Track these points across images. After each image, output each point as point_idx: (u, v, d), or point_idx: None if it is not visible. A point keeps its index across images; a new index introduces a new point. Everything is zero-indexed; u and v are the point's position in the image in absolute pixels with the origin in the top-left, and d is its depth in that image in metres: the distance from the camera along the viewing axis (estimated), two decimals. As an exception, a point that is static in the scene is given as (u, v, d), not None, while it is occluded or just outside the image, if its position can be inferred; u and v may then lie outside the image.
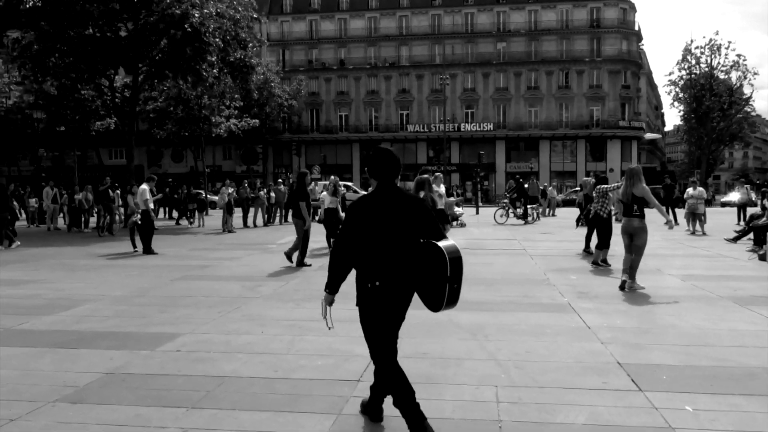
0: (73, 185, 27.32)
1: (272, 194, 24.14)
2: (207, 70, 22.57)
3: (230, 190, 21.46)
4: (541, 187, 29.70)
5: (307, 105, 63.53)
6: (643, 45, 69.88)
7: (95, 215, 20.83)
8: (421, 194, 9.72)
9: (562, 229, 21.05)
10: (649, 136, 68.89)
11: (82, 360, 5.33)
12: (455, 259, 3.47)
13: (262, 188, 23.65)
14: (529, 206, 24.81)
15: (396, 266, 3.58)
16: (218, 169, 61.60)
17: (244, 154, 62.89)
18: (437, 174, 14.21)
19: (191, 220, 24.48)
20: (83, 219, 22.32)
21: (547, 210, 29.07)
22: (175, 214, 28.15)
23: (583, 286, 9.01)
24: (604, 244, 11.25)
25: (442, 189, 13.60)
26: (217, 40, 21.97)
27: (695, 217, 18.49)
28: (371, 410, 3.98)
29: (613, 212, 11.76)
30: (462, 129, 61.31)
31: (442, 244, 3.51)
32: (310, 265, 11.35)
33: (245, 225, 23.14)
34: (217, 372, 4.95)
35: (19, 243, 16.12)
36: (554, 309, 7.39)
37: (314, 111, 64.78)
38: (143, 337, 6.13)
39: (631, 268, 8.59)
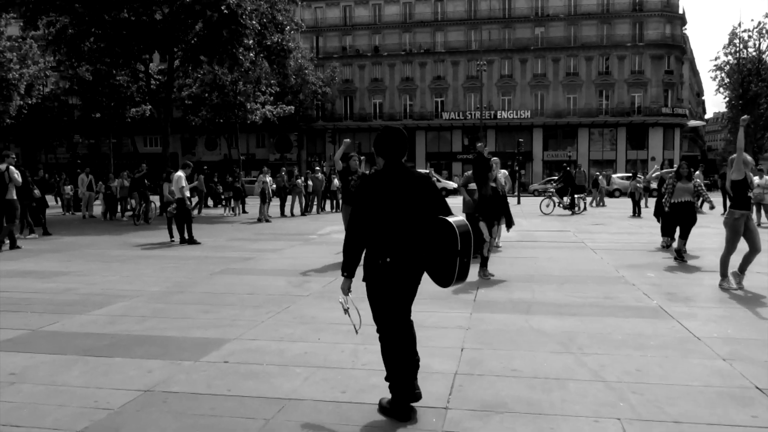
0: (108, 172, 27.03)
1: (309, 182, 23.40)
2: (243, 54, 21.87)
3: (267, 178, 20.76)
4: (594, 176, 28.41)
5: (341, 92, 62.72)
6: (685, 29, 67.39)
7: (130, 204, 20.35)
8: (492, 176, 8.80)
9: (614, 220, 19.91)
10: (692, 123, 66.54)
11: (116, 372, 4.59)
12: (465, 233, 3.52)
13: (299, 176, 22.91)
14: (575, 195, 23.61)
15: (406, 243, 3.62)
16: (252, 157, 61.39)
17: (278, 142, 62.32)
18: (494, 159, 13.24)
19: (229, 208, 23.92)
20: (120, 207, 21.90)
21: (597, 199, 27.77)
22: (210, 202, 27.69)
23: (669, 286, 8.02)
24: (685, 234, 10.25)
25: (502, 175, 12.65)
26: (254, 22, 21.25)
27: (763, 207, 17.20)
28: (396, 408, 3.76)
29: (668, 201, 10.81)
30: (498, 116, 59.81)
31: (451, 219, 3.56)
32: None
33: (282, 214, 22.48)
34: (275, 392, 4.16)
35: (36, 235, 15.17)
36: (646, 314, 6.44)
37: (348, 98, 63.95)
38: (185, 343, 5.39)
39: (745, 262, 7.64)
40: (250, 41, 21.68)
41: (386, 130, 3.80)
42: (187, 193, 13.71)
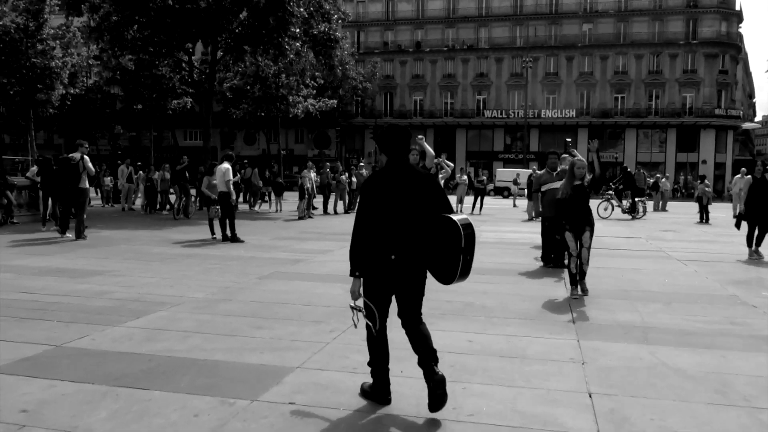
0: (149, 165, 26.51)
1: (353, 179, 22.38)
2: (289, 43, 20.96)
3: (311, 174, 19.84)
4: (652, 179, 26.76)
5: (381, 88, 61.69)
6: (741, 27, 64.51)
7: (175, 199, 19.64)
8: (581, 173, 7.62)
9: (683, 227, 18.44)
10: (747, 125, 63.71)
11: (153, 414, 3.59)
12: (469, 231, 3.57)
13: (343, 173, 21.92)
14: (636, 199, 22.11)
15: (410, 240, 3.64)
16: (290, 153, 60.82)
17: (317, 138, 61.67)
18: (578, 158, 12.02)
19: (261, 203, 23.06)
20: (160, 200, 21.22)
21: (660, 203, 26.10)
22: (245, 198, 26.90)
23: (799, 310, 6.74)
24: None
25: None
26: (301, 9, 20.33)
27: None
28: (377, 392, 3.89)
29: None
30: (542, 115, 58.03)
31: (455, 217, 3.60)
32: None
33: (325, 211, 21.53)
34: (364, 457, 3.11)
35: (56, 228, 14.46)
36: (796, 348, 5.21)
37: (388, 95, 62.91)
38: (237, 371, 4.38)
39: None
40: (297, 30, 20.77)
41: (389, 127, 3.80)
42: (232, 187, 12.80)
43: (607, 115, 57.87)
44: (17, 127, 41.27)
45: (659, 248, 12.47)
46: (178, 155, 24.32)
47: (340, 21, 23.28)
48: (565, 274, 8.26)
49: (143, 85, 32.25)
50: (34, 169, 15.43)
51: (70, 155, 12.49)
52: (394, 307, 3.89)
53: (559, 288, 7.87)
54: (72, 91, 32.06)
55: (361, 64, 57.82)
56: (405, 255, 3.63)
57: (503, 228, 16.95)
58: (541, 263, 9.86)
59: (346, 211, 21.88)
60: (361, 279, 3.70)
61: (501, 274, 8.89)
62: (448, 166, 11.96)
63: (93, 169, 12.54)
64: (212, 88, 24.30)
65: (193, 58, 25.98)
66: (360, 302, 3.76)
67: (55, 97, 29.78)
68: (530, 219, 20.24)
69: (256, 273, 8.63)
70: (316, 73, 27.96)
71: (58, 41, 27.97)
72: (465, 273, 3.67)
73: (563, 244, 9.55)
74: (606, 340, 5.34)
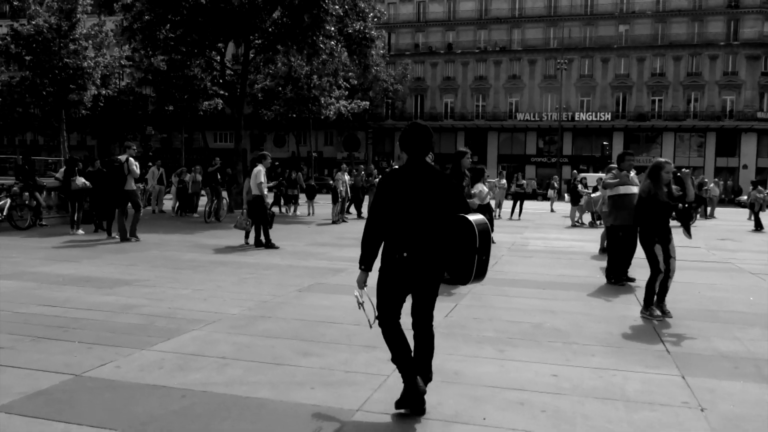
0: (180, 166, 26.14)
1: (388, 182, 21.61)
2: (324, 42, 20.33)
3: (345, 176, 19.16)
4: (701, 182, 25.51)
5: (412, 91, 60.95)
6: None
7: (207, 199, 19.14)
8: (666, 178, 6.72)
9: (739, 234, 17.32)
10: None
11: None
12: (484, 231, 3.60)
13: (378, 175, 21.19)
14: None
15: (423, 239, 3.63)
16: (319, 155, 60.41)
17: (346, 140, 61.14)
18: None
19: (288, 208, 22.38)
20: (194, 202, 20.74)
21: (707, 210, 24.86)
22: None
23: None
24: None
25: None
26: (336, 7, 19.68)
27: None
28: (409, 399, 3.69)
29: None
30: (576, 118, 56.69)
31: (471, 217, 3.64)
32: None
33: (359, 215, 20.85)
34: None
35: (83, 232, 13.77)
36: None
37: (419, 97, 62.14)
38: (286, 414, 3.65)
39: None
40: (332, 28, 20.13)
41: (411, 125, 3.77)
42: (266, 191, 12.14)
43: (644, 118, 56.31)
44: (51, 128, 41.48)
45: (725, 259, 11.50)
46: (209, 157, 23.88)
47: (375, 19, 22.58)
48: (639, 293, 7.40)
49: (175, 86, 31.98)
50: (63, 170, 15.03)
51: (116, 157, 12.39)
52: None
53: (631, 307, 7.02)
54: (104, 92, 31.94)
55: (392, 66, 57.17)
56: (417, 253, 3.61)
57: (549, 235, 16.05)
58: (604, 279, 8.96)
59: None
60: (368, 272, 3.77)
61: (562, 288, 8.06)
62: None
63: (137, 171, 12.55)
64: (244, 88, 23.79)
65: (225, 59, 25.50)
66: (358, 292, 3.78)
67: (87, 97, 29.65)
68: (573, 225, 19.30)
69: (294, 284, 7.93)
70: (349, 74, 27.30)
71: (90, 41, 27.80)
72: (481, 274, 3.65)
73: (626, 257, 8.72)
74: (716, 377, 4.49)
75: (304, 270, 9.18)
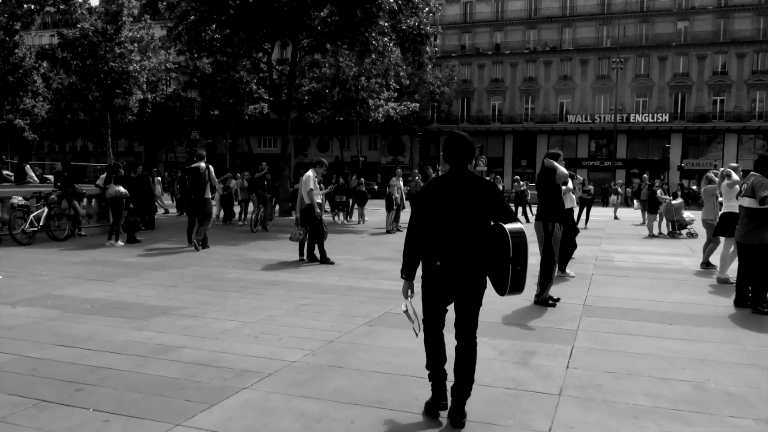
0: (225, 171, 25.25)
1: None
2: (377, 38, 19.07)
3: (400, 182, 17.81)
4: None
5: (458, 93, 59.43)
6: None
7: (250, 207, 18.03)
8: None
9: None
10: None
11: None
12: (518, 240, 3.49)
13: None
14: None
15: (457, 247, 3.60)
16: (364, 160, 59.44)
17: (391, 145, 60.10)
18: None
19: (337, 215, 21.02)
20: (240, 210, 19.70)
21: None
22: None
23: None
24: None
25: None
26: (390, 1, 18.39)
27: None
28: (431, 405, 3.82)
29: None
30: (631, 120, 54.20)
31: (507, 225, 3.55)
32: (556, 301, 7.25)
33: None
34: None
35: (122, 243, 12.82)
36: None
37: (465, 99, 60.56)
38: None
39: None
40: (385, 24, 18.84)
41: (451, 136, 3.81)
42: (319, 200, 10.86)
43: (705, 119, 53.49)
44: (99, 134, 41.46)
45: None
46: (253, 162, 22.89)
47: (431, 15, 21.18)
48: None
49: (220, 90, 31.30)
50: (104, 176, 14.12)
51: (197, 164, 12.29)
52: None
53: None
54: (150, 96, 31.46)
55: (438, 68, 55.76)
56: (451, 262, 3.60)
57: (630, 248, 14.34)
58: (732, 306, 7.37)
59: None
60: (411, 281, 3.79)
61: (691, 321, 6.49)
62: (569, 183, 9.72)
63: (216, 179, 12.50)
64: (291, 90, 22.71)
65: (272, 59, 24.52)
66: (405, 305, 3.79)
67: (132, 102, 29.15)
68: (652, 236, 17.50)
69: (361, 314, 6.57)
70: (401, 73, 25.96)
71: (136, 44, 27.23)
72: (517, 286, 3.57)
73: (762, 281, 7.13)
74: None
75: (367, 293, 7.82)
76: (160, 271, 9.45)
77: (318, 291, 7.95)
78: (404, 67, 25.46)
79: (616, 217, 26.09)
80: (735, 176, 9.10)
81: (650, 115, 54.48)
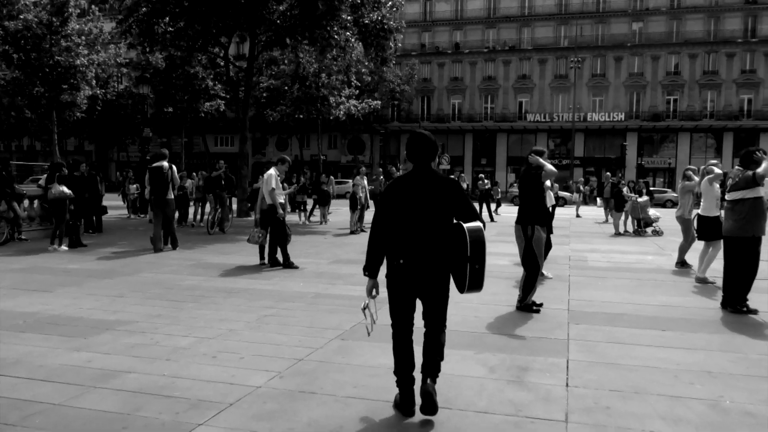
0: (179, 171, 24.21)
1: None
2: (339, 33, 18.40)
3: (364, 181, 17.21)
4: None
5: (418, 92, 59.17)
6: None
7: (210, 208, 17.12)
8: None
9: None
10: (812, 129, 59.41)
11: None
12: (476, 238, 3.48)
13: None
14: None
15: (420, 245, 3.62)
16: (324, 159, 58.69)
17: (351, 143, 59.41)
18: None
19: (300, 215, 20.27)
20: (195, 211, 18.74)
21: None
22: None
23: None
24: None
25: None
26: (352, -7, 17.81)
27: None
28: (401, 403, 3.78)
29: None
30: (588, 119, 54.83)
31: (466, 224, 3.54)
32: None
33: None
34: None
35: (65, 247, 11.97)
36: None
37: (425, 98, 60.33)
38: None
39: None
40: (348, 17, 18.18)
41: (414, 134, 3.81)
42: (281, 200, 10.19)
43: (659, 118, 54.53)
44: (47, 132, 39.63)
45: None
46: (210, 161, 21.98)
47: (394, 9, 20.61)
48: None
49: (174, 86, 30.00)
50: (45, 176, 13.13)
51: (161, 164, 11.90)
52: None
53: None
54: (99, 92, 30.00)
55: (398, 67, 55.37)
56: (414, 260, 3.61)
57: (600, 246, 14.07)
58: (720, 307, 7.05)
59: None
60: (374, 279, 3.75)
61: (683, 327, 6.09)
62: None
63: (178, 179, 12.27)
64: (249, 86, 21.84)
65: (228, 54, 23.57)
66: (365, 303, 3.78)
67: (80, 98, 27.74)
68: (618, 234, 17.34)
69: (332, 326, 5.97)
70: (363, 69, 25.28)
71: (83, 37, 25.86)
72: (476, 284, 3.53)
73: (747, 279, 6.83)
74: None
75: (336, 301, 7.21)
76: (106, 279, 8.64)
77: (282, 299, 7.30)
78: (366, 63, 24.85)
79: (578, 215, 26.04)
80: (717, 170, 8.81)
81: (606, 114, 55.20)
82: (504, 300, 7.35)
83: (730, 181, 6.99)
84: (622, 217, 17.86)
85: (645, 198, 17.75)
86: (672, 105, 55.04)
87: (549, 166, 6.68)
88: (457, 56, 59.47)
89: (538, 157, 6.74)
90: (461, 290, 3.59)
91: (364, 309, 3.76)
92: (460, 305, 6.57)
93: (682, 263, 10.47)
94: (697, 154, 54.89)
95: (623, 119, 54.51)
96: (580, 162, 55.55)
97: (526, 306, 6.71)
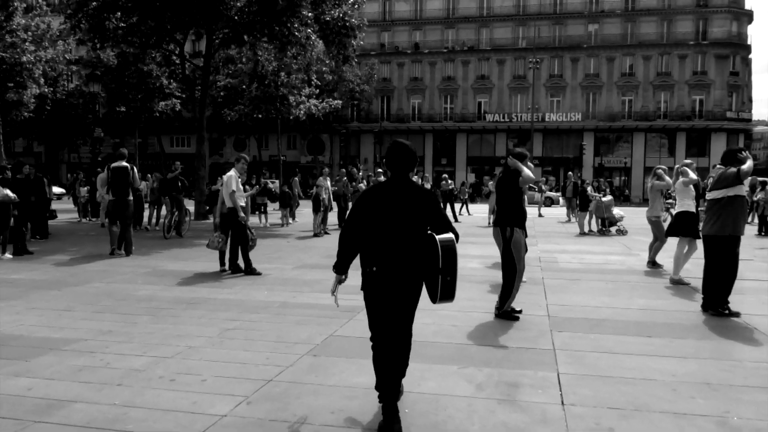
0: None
1: (372, 187, 19.17)
2: (299, 29, 17.87)
3: (327, 182, 16.74)
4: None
5: (378, 92, 58.86)
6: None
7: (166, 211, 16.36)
8: None
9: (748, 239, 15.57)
10: (759, 129, 61.44)
11: None
12: (448, 250, 3.54)
13: (362, 180, 18.72)
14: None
15: (393, 254, 3.63)
16: (284, 159, 57.88)
17: (310, 144, 58.66)
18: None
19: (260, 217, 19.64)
20: (151, 214, 17.93)
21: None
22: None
23: None
24: None
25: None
26: (312, -11, 17.30)
27: None
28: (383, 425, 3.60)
29: None
30: (546, 119, 55.41)
31: (439, 236, 3.60)
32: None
33: (341, 226, 18.49)
34: None
35: (9, 255, 11.25)
36: None
37: (385, 98, 60.05)
38: None
39: None
40: (309, 13, 17.67)
41: (395, 144, 3.82)
42: (242, 202, 9.66)
43: (614, 118, 55.50)
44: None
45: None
46: (165, 162, 21.17)
47: (356, 7, 20.17)
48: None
49: (127, 85, 28.83)
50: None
51: (122, 164, 11.52)
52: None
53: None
54: (47, 91, 28.68)
55: (357, 66, 55.00)
56: (386, 268, 3.63)
57: (567, 247, 13.94)
58: (700, 310, 6.88)
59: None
60: (341, 276, 3.80)
61: (670, 333, 5.85)
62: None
63: (139, 180, 11.95)
64: (206, 84, 21.11)
65: (184, 51, 22.74)
66: (333, 288, 3.84)
67: (27, 97, 26.48)
68: (583, 233, 17.31)
69: (301, 339, 5.52)
70: (324, 68, 24.75)
71: (30, 33, 24.65)
72: (447, 295, 3.60)
73: (727, 280, 6.68)
74: None
75: (305, 311, 6.76)
76: (53, 290, 7.99)
77: (246, 310, 6.81)
78: (327, 62, 24.33)
79: (540, 215, 26.07)
80: (692, 174, 8.70)
81: (564, 114, 55.90)
82: (481, 306, 7.03)
83: (710, 181, 6.82)
84: (587, 217, 17.84)
85: (609, 197, 17.76)
86: (627, 105, 56.06)
87: (526, 172, 6.38)
88: (416, 56, 59.40)
89: (516, 161, 6.44)
90: (434, 300, 3.64)
91: (333, 292, 3.85)
92: (436, 313, 6.22)
93: (653, 263, 10.36)
94: (651, 154, 56.11)
95: (580, 119, 55.26)
96: (539, 162, 56.07)
97: (505, 313, 6.39)
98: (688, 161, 9.12)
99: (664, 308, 7.06)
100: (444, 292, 3.55)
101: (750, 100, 55.83)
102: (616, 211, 17.54)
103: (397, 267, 3.63)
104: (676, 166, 9.23)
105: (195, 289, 8.20)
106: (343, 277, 3.82)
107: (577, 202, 18.55)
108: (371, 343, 3.81)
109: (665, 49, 54.96)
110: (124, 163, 11.61)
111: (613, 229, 17.36)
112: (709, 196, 6.82)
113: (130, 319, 6.32)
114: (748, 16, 56.46)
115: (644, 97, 55.51)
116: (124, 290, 7.99)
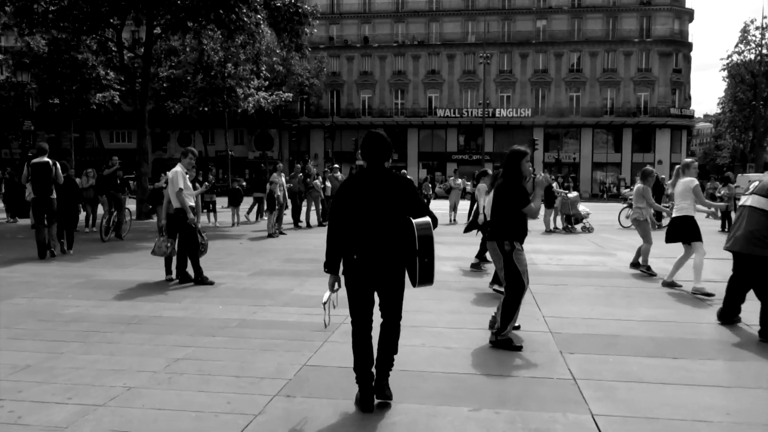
0: (68, 169, 21.50)
1: (328, 184, 18.20)
2: (248, 15, 16.65)
3: (282, 179, 15.63)
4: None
5: (328, 86, 57.70)
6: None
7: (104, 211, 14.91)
8: None
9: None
10: (701, 125, 63.11)
11: None
12: (424, 232, 3.61)
13: (316, 176, 17.70)
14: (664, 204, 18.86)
15: (373, 241, 3.70)
16: (232, 155, 55.97)
17: (258, 139, 56.87)
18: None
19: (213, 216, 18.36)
20: (87, 214, 16.35)
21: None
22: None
23: None
24: None
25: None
26: (261, -28, 16.11)
27: None
28: (362, 401, 3.81)
29: None
30: (497, 115, 55.41)
31: (415, 219, 3.66)
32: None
33: (296, 225, 17.37)
34: None
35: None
36: None
37: (335, 93, 58.94)
38: None
39: None
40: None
41: (369, 134, 3.89)
42: (191, 202, 8.50)
43: (563, 114, 56.09)
44: None
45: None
46: (104, 158, 19.59)
47: (308, -7, 19.09)
48: None
49: (60, 75, 26.84)
50: None
51: (44, 160, 10.90)
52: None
53: None
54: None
55: (306, 60, 53.64)
56: (368, 255, 3.69)
57: (541, 246, 13.30)
58: (717, 321, 6.19)
59: (321, 224, 17.63)
60: (335, 275, 3.84)
61: (700, 354, 5.11)
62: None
63: (62, 177, 11.20)
64: (147, 74, 19.61)
65: (122, 37, 21.11)
66: (327, 297, 3.82)
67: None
68: (549, 231, 16.77)
69: (269, 372, 4.51)
70: (274, 58, 23.52)
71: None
72: (426, 278, 3.67)
73: (740, 291, 6.01)
74: None
75: (269, 332, 5.72)
76: (-38, 309, 6.71)
77: (199, 332, 5.72)
78: (279, 52, 23.09)
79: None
80: (704, 201, 7.96)
81: (514, 110, 56.05)
82: (471, 320, 6.17)
83: (755, 184, 5.95)
84: (552, 214, 17.31)
85: (575, 194, 17.27)
86: (575, 102, 56.61)
87: (539, 203, 5.47)
88: (366, 50, 58.54)
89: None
90: (414, 284, 3.69)
91: (324, 303, 3.78)
92: (424, 330, 5.37)
93: (635, 264, 9.72)
94: (599, 150, 56.91)
95: (530, 115, 55.48)
96: (490, 157, 56.00)
97: (504, 343, 5.35)
98: (688, 160, 8.42)
99: (674, 320, 6.34)
100: (423, 275, 3.59)
101: (689, 97, 57.40)
102: (582, 207, 17.06)
103: (377, 254, 3.70)
104: (677, 166, 8.57)
105: (136, 304, 7.02)
106: (337, 286, 3.82)
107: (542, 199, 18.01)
108: (351, 327, 3.86)
109: (611, 46, 55.80)
110: (46, 159, 10.91)
111: (578, 227, 16.88)
112: (754, 203, 5.84)
113: (54, 348, 5.16)
114: (689, 15, 57.85)
115: (591, 93, 56.23)
116: (51, 308, 6.76)
